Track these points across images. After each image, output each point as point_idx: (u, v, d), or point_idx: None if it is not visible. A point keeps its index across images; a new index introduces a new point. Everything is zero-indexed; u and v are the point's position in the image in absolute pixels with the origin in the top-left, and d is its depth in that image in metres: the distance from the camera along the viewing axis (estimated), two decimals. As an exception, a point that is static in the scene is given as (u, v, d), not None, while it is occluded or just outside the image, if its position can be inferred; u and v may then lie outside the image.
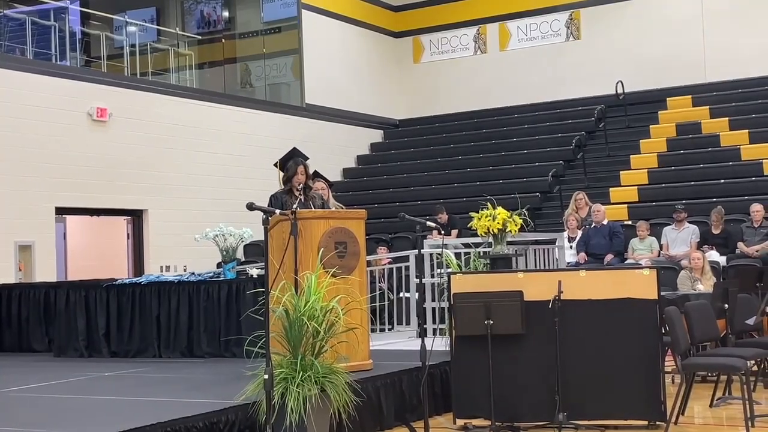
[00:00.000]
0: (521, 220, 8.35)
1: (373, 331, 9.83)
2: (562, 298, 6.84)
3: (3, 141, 13.26)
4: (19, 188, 13.37)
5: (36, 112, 13.68)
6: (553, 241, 11.26)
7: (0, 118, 13.25)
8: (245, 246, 14.21)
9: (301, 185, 8.07)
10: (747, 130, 15.87)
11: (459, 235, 13.65)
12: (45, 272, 13.38)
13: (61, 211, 14.27)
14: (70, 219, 15.39)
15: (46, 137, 13.76)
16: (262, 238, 6.05)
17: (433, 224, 7.54)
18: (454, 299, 7.19)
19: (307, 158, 8.26)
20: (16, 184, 13.35)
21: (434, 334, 9.44)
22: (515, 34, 19.88)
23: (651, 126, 17.21)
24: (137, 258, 15.24)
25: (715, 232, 13.13)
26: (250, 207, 5.88)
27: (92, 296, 9.88)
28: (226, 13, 19.34)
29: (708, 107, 17.02)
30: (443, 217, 14.59)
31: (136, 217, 15.25)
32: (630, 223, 14.12)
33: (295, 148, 8.28)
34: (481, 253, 9.09)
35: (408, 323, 11.14)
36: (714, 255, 12.54)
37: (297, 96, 18.45)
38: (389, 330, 11.37)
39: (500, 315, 6.94)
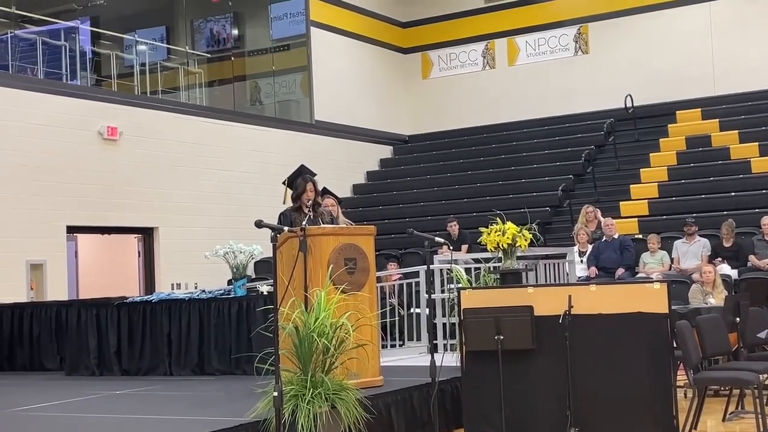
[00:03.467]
0: (531, 235, 8.32)
1: (383, 347, 9.82)
2: (572, 312, 6.82)
3: (14, 160, 13.32)
4: (30, 207, 13.42)
5: (47, 131, 13.74)
6: (563, 256, 11.26)
7: (11, 138, 13.33)
8: (255, 263, 14.24)
9: (310, 202, 8.06)
10: (757, 143, 15.84)
11: (469, 250, 13.64)
12: (56, 291, 13.41)
13: (72, 230, 14.30)
14: (81, 237, 15.43)
15: (56, 156, 13.82)
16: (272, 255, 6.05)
17: (441, 240, 7.54)
18: (464, 314, 7.18)
19: (314, 174, 8.25)
20: (27, 203, 13.41)
21: (445, 349, 9.44)
22: (524, 49, 19.92)
23: (661, 139, 17.19)
24: (148, 276, 15.26)
25: (726, 245, 13.08)
26: (259, 225, 5.90)
27: (103, 314, 9.90)
28: (235, 31, 19.41)
29: (718, 120, 17.00)
30: (454, 227, 14.58)
31: (146, 235, 15.28)
32: (641, 236, 14.09)
33: (303, 165, 8.28)
34: (491, 268, 9.08)
35: (419, 339, 11.12)
36: (725, 268, 12.50)
37: (306, 113, 18.50)
38: (400, 346, 11.37)
39: (510, 330, 6.93)
